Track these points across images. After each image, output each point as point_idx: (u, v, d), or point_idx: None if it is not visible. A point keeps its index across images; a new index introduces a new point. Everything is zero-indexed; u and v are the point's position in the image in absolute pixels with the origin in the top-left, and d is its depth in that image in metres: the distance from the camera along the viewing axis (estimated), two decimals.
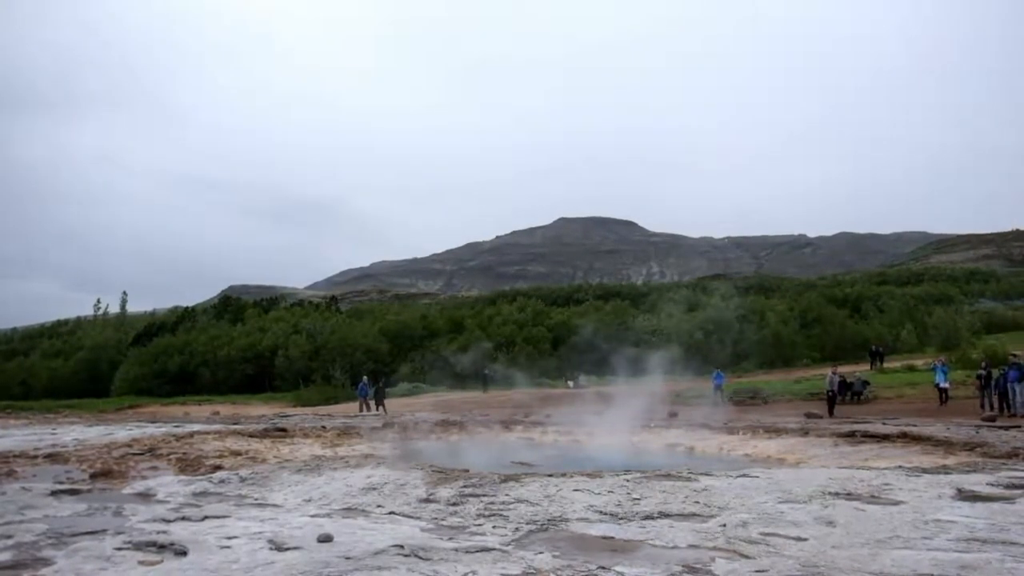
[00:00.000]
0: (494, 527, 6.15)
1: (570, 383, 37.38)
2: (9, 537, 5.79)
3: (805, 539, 5.53)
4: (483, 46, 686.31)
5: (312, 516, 6.79)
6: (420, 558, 5.13)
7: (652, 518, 6.40)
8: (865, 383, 25.46)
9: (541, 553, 5.31)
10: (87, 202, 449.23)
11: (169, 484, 8.87)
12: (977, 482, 7.90)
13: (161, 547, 5.47)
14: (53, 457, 10.79)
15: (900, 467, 9.67)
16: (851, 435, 13.94)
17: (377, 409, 27.15)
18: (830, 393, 21.88)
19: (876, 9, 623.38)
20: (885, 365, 33.58)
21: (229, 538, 5.75)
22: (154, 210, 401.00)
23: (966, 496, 7.13)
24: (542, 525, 6.19)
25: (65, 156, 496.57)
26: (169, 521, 6.47)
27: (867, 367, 33.04)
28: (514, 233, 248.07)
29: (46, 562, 5.07)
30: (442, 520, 6.53)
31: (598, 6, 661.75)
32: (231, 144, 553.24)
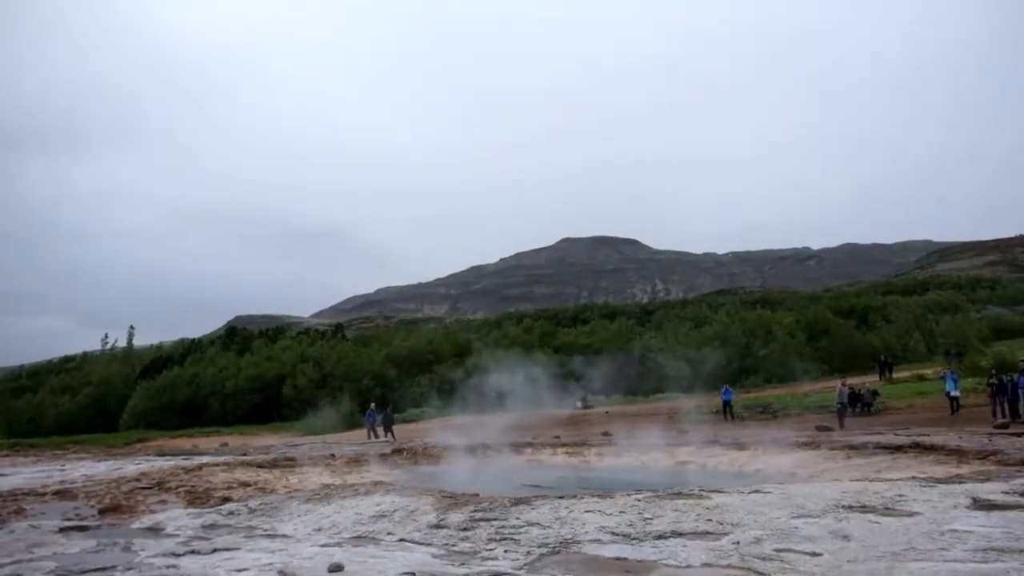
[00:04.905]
0: (506, 551, 6.10)
1: (578, 403, 37.18)
2: None
3: (820, 554, 5.47)
4: (485, 74, 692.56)
5: (322, 546, 6.74)
6: None
7: (665, 537, 6.35)
8: (874, 394, 25.30)
9: None
10: (96, 237, 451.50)
11: (178, 517, 8.83)
12: (992, 491, 7.82)
13: None
14: (62, 494, 10.76)
15: (913, 478, 9.59)
16: (863, 447, 13.84)
17: (385, 435, 27.05)
18: (840, 405, 21.71)
19: (877, 16, 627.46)
20: (894, 375, 33.37)
21: (239, 570, 5.72)
22: (160, 243, 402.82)
23: (981, 505, 7.06)
24: (554, 548, 6.14)
25: (75, 193, 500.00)
26: (178, 555, 6.44)
27: (876, 378, 32.84)
28: (518, 255, 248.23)
29: None
30: (453, 546, 6.49)
31: (596, 32, 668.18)
32: (234, 175, 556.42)
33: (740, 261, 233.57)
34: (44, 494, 10.71)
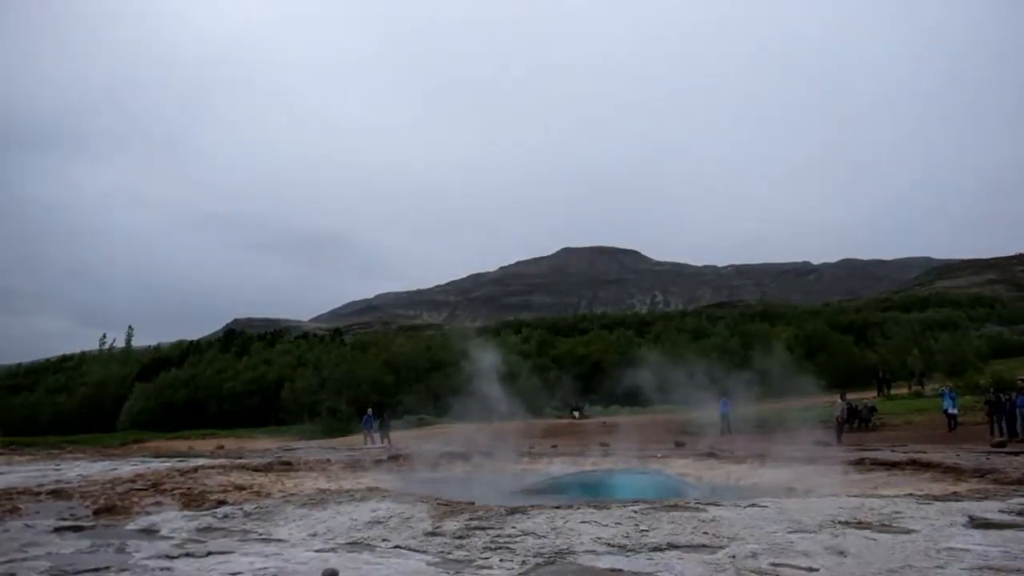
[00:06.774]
0: (501, 560, 6.09)
1: (575, 413, 37.16)
2: None
3: (816, 570, 5.46)
4: (487, 80, 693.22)
5: (317, 551, 6.73)
6: None
7: (660, 550, 6.33)
8: (872, 409, 25.30)
9: None
10: (95, 238, 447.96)
11: (173, 519, 8.81)
12: (989, 509, 7.81)
13: None
14: (56, 493, 10.74)
15: (910, 495, 9.58)
16: (860, 463, 13.83)
17: (382, 441, 27.03)
18: (838, 420, 21.71)
19: (877, 34, 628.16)
20: (892, 391, 33.36)
21: (233, 574, 5.71)
22: (159, 245, 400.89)
23: (978, 523, 7.05)
24: (549, 558, 6.12)
25: (75, 193, 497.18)
26: (173, 557, 6.42)
27: (874, 394, 32.82)
28: (518, 263, 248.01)
29: None
30: (448, 553, 6.47)
31: (598, 42, 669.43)
32: (234, 178, 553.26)
33: (740, 274, 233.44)
34: (39, 493, 10.69)
